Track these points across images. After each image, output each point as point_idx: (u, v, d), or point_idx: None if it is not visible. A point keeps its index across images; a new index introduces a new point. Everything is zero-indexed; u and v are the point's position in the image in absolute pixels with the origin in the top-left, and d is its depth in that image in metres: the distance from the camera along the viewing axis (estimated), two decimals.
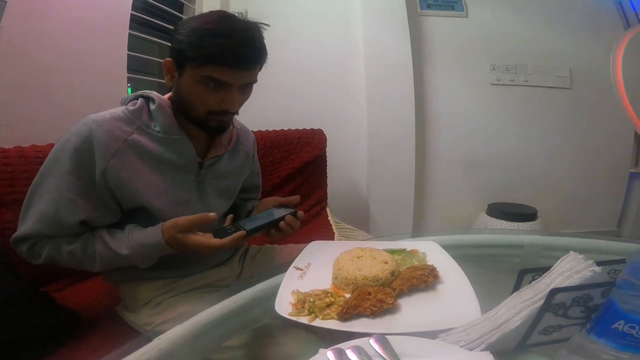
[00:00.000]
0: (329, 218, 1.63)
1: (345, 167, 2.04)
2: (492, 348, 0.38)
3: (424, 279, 0.55)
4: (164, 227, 0.67)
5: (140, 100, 0.73)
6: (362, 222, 2.06)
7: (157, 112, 0.71)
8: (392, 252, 0.67)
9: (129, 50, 1.39)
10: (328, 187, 1.74)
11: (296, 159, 1.57)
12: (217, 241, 0.65)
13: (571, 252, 0.39)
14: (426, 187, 2.16)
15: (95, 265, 0.68)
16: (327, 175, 1.73)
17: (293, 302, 0.52)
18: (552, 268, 0.38)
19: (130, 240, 0.67)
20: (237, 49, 0.63)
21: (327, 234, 1.47)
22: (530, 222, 1.82)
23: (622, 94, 2.12)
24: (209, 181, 0.79)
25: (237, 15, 0.68)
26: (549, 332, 0.38)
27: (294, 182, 1.59)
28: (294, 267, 0.64)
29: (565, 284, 0.35)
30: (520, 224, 1.82)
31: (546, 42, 2.13)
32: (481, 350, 0.37)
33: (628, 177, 2.22)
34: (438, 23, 2.11)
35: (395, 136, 1.99)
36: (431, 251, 0.68)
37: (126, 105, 0.73)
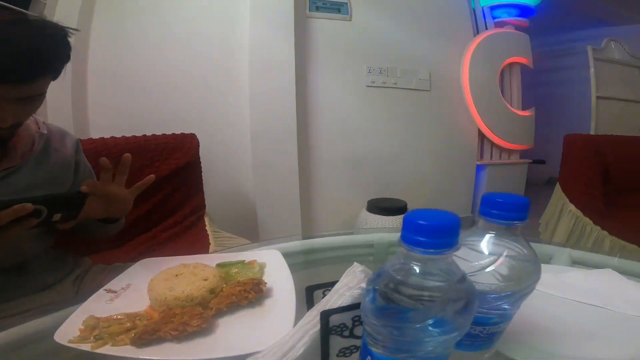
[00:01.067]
0: (206, 228, 1.52)
1: (229, 171, 1.95)
2: None
3: (244, 296, 0.51)
4: None
5: None
6: (251, 227, 1.99)
7: None
8: (225, 265, 0.62)
9: None
10: (210, 195, 1.63)
11: (162, 167, 1.42)
12: None
13: (355, 263, 0.38)
14: (312, 187, 2.19)
15: None
16: (207, 182, 1.62)
17: (82, 328, 0.45)
18: (337, 283, 0.37)
19: None
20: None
21: (202, 245, 1.37)
22: (402, 216, 1.98)
23: (467, 95, 2.45)
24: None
25: (32, 19, 0.57)
26: (347, 354, 0.36)
27: (162, 191, 1.44)
28: (105, 289, 0.56)
29: (338, 303, 0.33)
30: (393, 217, 1.97)
31: (412, 47, 2.35)
32: None
33: (475, 169, 2.60)
34: (324, 25, 2.15)
35: (278, 137, 1.98)
36: (272, 261, 0.65)
37: None
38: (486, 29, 2.61)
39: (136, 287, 0.57)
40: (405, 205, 2.07)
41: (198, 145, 1.53)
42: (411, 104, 2.36)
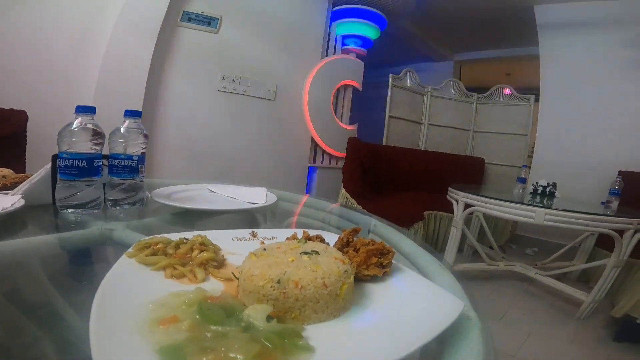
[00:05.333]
0: None
1: None
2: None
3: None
4: None
5: None
6: None
7: None
8: None
9: None
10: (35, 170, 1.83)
11: None
12: None
13: None
14: (152, 171, 2.51)
15: None
16: (38, 160, 1.76)
17: None
18: None
19: None
20: None
21: None
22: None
23: (305, 108, 3.11)
24: None
25: None
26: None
27: None
28: None
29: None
30: None
31: (266, 62, 2.89)
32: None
33: (308, 169, 3.26)
34: (191, 34, 2.57)
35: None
36: None
37: None
38: (334, 53, 3.32)
39: None
40: None
41: (26, 120, 1.80)
42: (256, 110, 2.91)
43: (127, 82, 2.33)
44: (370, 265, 0.40)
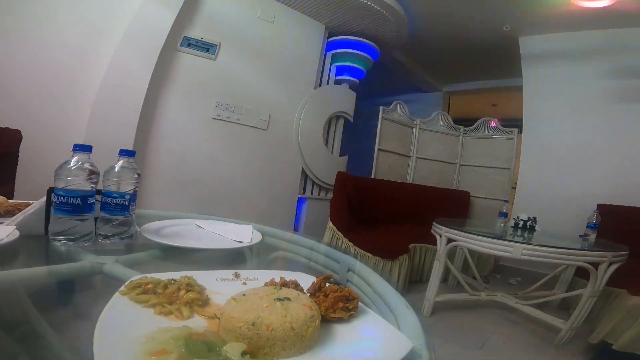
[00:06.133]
0: None
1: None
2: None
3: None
4: None
5: None
6: None
7: None
8: None
9: None
10: (23, 191, 1.72)
11: None
12: None
13: None
14: (142, 202, 2.46)
15: None
16: (28, 178, 1.79)
17: None
18: None
19: None
20: None
21: None
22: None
23: (297, 140, 3.18)
24: None
25: None
26: None
27: None
28: None
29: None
30: None
31: (261, 90, 2.97)
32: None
33: (297, 200, 3.30)
34: (189, 60, 2.65)
35: (114, 147, 2.32)
36: None
37: None
38: (328, 84, 3.42)
39: None
40: None
41: (20, 140, 1.83)
42: (249, 139, 2.97)
43: (123, 105, 2.37)
44: (337, 309, 0.47)
